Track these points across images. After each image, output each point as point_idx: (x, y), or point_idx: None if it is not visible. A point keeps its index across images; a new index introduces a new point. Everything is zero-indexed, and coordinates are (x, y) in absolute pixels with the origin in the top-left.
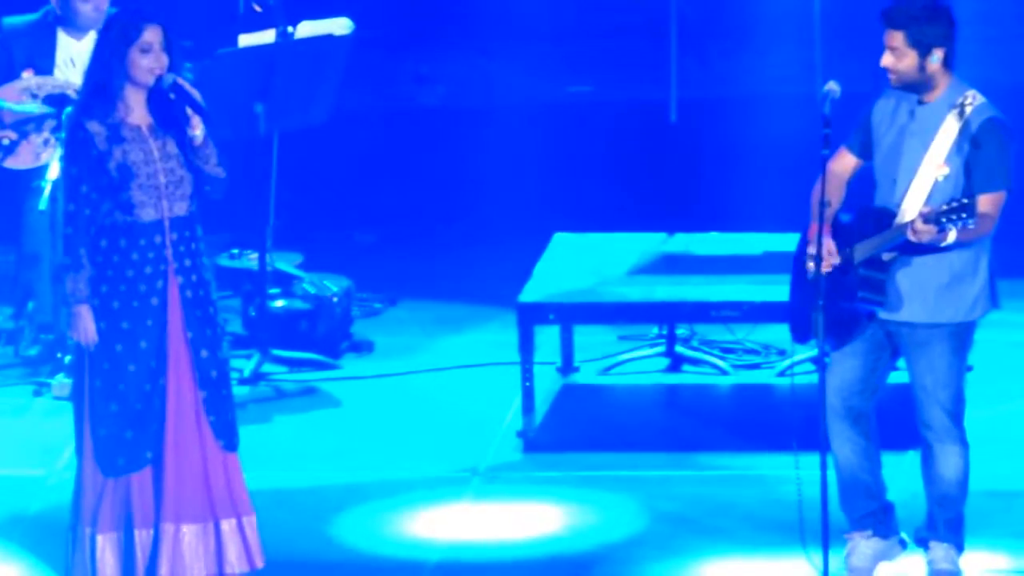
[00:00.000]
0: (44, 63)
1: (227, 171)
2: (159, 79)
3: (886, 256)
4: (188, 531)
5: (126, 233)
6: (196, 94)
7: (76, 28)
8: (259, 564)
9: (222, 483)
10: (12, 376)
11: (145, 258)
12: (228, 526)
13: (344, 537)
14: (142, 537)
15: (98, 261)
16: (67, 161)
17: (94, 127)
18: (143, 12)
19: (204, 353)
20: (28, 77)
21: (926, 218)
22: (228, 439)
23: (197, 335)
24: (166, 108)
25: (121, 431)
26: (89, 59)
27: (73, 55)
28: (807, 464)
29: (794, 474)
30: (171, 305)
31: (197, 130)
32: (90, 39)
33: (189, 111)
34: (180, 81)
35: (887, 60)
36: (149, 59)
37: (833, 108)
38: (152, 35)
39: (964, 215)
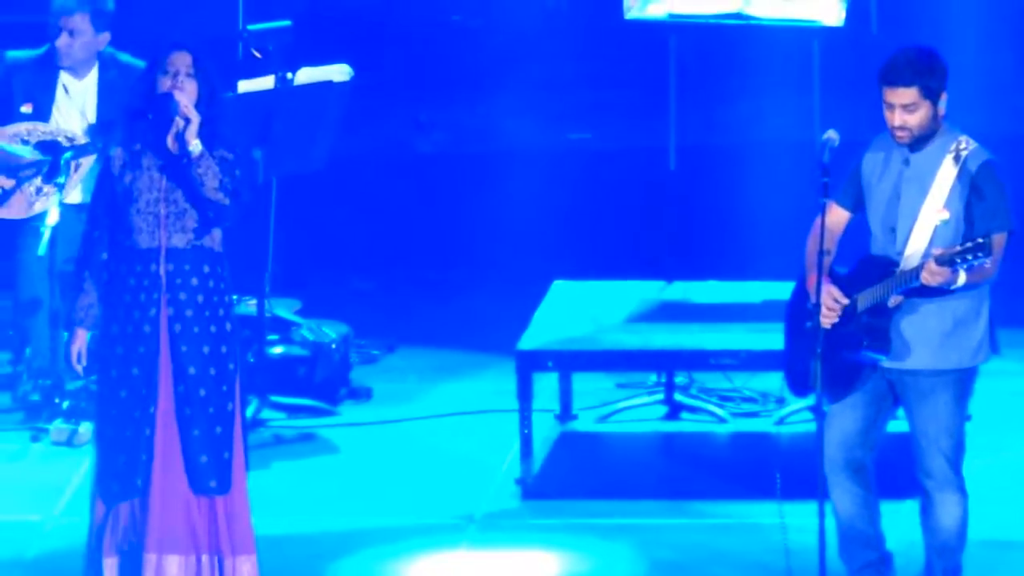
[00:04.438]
0: (43, 98)
1: (236, 200)
2: (164, 96)
3: (892, 302)
4: (170, 562)
5: (125, 257)
6: (191, 113)
7: (70, 69)
8: None
9: (204, 519)
10: (10, 422)
11: (140, 284)
12: (208, 562)
13: None
14: (151, 562)
15: (104, 283)
16: (94, 183)
17: (115, 152)
18: (174, 40)
19: (180, 388)
20: (20, 125)
21: (939, 260)
22: (196, 480)
23: (178, 369)
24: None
25: (115, 457)
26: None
27: (72, 93)
28: (802, 512)
29: (784, 522)
30: (162, 335)
31: (191, 144)
32: (91, 79)
33: (178, 121)
34: (177, 96)
35: (901, 118)
36: (169, 81)
37: (832, 157)
38: (177, 60)
39: (980, 254)
